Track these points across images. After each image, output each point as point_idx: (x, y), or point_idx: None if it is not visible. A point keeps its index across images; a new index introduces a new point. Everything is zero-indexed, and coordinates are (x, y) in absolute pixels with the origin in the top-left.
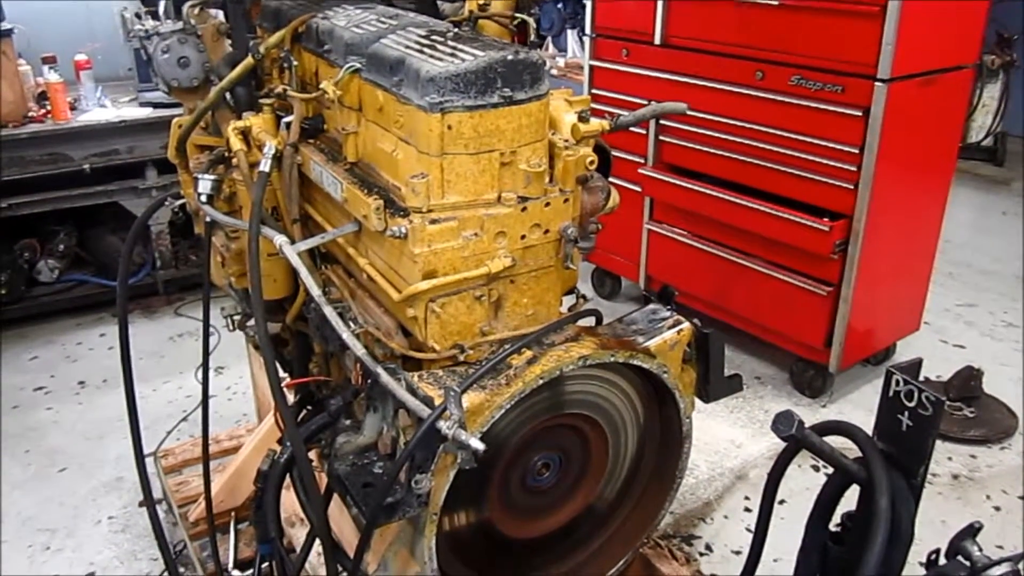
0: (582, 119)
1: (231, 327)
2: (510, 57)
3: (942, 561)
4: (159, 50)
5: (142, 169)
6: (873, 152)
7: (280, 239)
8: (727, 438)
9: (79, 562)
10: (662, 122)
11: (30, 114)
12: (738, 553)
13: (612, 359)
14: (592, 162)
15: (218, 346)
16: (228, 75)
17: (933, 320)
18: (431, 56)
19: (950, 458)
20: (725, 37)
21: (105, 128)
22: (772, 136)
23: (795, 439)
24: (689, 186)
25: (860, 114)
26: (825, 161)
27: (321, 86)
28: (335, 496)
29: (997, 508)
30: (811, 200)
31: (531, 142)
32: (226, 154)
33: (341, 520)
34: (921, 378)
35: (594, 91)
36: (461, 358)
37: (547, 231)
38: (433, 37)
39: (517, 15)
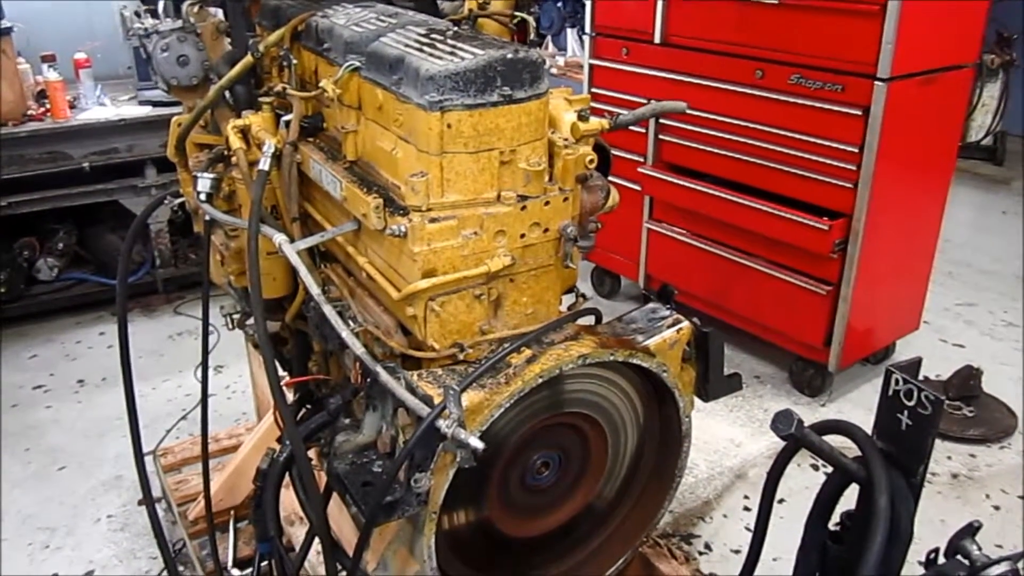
0: (582, 118)
1: (230, 326)
2: (510, 56)
3: (941, 560)
4: (158, 48)
5: (141, 167)
6: (873, 151)
7: (279, 238)
8: (726, 437)
9: (78, 560)
10: (662, 121)
11: (29, 112)
12: (737, 552)
13: (612, 358)
14: (592, 161)
15: (217, 345)
16: (227, 73)
17: (933, 319)
18: (431, 55)
19: (949, 457)
20: (725, 36)
21: (104, 126)
22: (772, 135)
23: (794, 438)
24: (689, 185)
25: (860, 113)
26: (825, 160)
27: (320, 84)
28: (334, 495)
29: (996, 507)
30: (811, 199)
31: (531, 141)
32: (225, 152)
33: (340, 519)
34: (920, 377)
35: (594, 90)
36: (460, 357)
37: (546, 230)
38: (433, 36)
39: (517, 14)
